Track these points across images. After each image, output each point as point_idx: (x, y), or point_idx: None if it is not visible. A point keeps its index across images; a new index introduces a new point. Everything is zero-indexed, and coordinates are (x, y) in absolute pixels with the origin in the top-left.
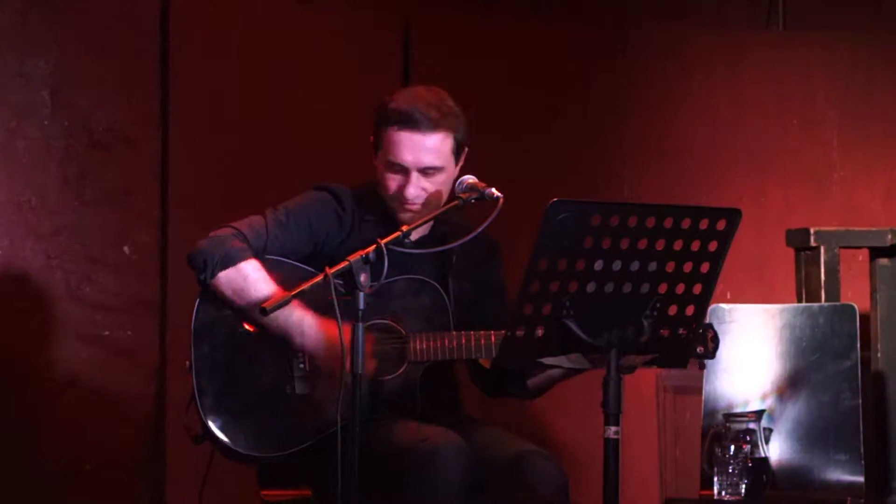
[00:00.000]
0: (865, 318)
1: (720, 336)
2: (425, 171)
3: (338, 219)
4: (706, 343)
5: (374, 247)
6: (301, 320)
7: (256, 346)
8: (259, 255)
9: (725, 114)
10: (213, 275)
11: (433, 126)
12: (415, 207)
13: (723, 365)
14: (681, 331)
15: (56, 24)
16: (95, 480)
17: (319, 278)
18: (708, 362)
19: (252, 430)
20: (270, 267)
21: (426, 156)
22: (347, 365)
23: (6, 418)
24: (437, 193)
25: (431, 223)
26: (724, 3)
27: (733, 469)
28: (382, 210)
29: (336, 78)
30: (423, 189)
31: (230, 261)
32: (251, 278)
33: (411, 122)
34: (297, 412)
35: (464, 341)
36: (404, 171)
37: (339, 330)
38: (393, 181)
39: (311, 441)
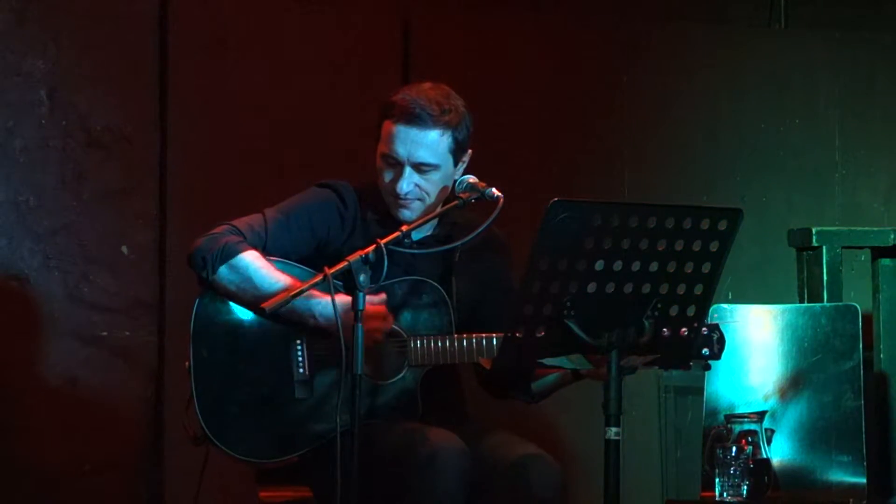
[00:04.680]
0: (868, 319)
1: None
2: (419, 168)
3: (340, 216)
4: (712, 344)
5: (373, 247)
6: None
7: (256, 350)
8: (257, 249)
9: (727, 113)
10: (215, 270)
11: (431, 122)
12: (407, 204)
13: (724, 365)
14: (682, 331)
15: (54, 24)
16: (94, 481)
17: (319, 278)
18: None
19: (251, 435)
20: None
21: (420, 151)
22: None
23: (4, 419)
24: (433, 192)
25: (436, 223)
26: (725, 2)
27: (735, 470)
28: (386, 207)
29: (336, 78)
30: (417, 186)
31: (229, 254)
32: (252, 268)
33: (409, 117)
34: (296, 417)
35: (465, 344)
36: (398, 165)
37: (339, 331)
38: (387, 175)
39: (310, 447)
